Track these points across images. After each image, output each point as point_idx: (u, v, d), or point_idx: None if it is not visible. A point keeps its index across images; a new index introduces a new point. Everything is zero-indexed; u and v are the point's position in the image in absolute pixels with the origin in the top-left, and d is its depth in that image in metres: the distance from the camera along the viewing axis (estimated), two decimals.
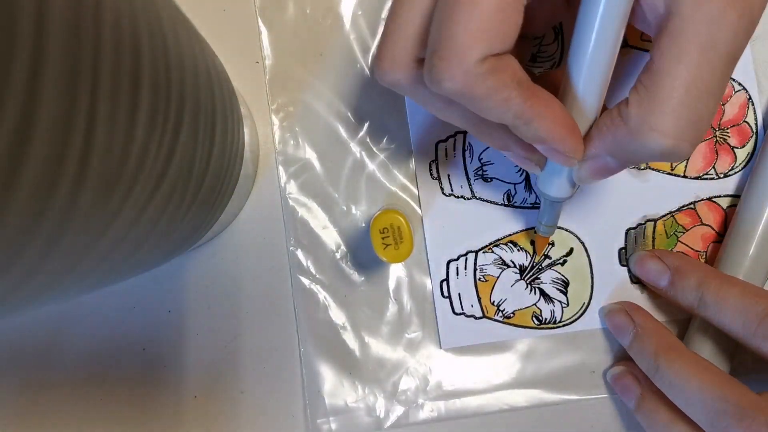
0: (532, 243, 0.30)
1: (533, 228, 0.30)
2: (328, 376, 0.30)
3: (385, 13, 0.31)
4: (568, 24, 0.29)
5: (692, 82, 0.18)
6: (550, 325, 0.30)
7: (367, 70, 0.30)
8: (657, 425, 0.26)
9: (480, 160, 0.30)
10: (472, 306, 0.30)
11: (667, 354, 0.25)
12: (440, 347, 0.30)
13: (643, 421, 0.27)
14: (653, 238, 0.30)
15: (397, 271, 0.30)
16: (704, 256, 0.30)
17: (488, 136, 0.23)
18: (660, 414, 0.26)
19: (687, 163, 0.30)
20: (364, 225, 0.30)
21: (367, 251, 0.30)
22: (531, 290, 0.30)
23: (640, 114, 0.19)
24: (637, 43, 0.30)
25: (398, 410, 0.30)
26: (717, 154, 0.30)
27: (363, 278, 0.30)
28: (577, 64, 0.21)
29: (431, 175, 0.30)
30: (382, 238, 0.25)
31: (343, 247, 0.30)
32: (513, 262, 0.30)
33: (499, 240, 0.30)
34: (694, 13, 0.18)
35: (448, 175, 0.30)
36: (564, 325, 0.30)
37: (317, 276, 0.30)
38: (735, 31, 0.18)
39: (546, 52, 0.30)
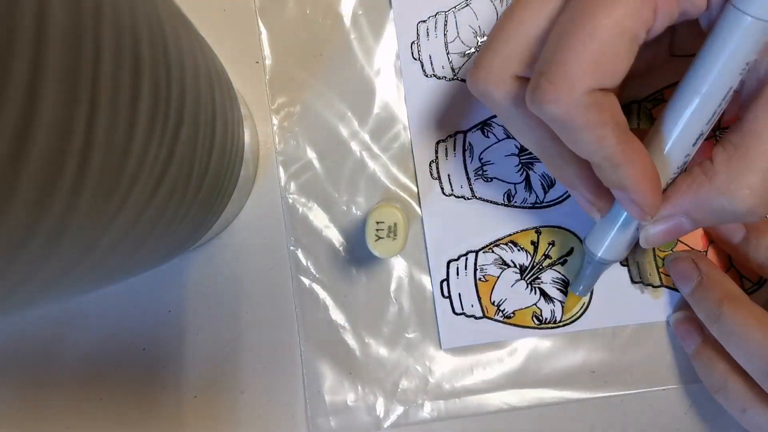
0: (533, 243, 0.30)
1: (534, 228, 0.30)
2: (328, 376, 0.30)
3: (387, 14, 0.31)
4: (664, 73, 0.28)
5: None
6: (550, 325, 0.30)
7: (367, 70, 0.30)
8: (712, 375, 0.26)
9: (480, 159, 0.30)
10: (472, 306, 0.30)
11: (732, 303, 0.25)
12: (440, 347, 0.30)
13: (699, 370, 0.27)
14: None
15: (397, 271, 0.30)
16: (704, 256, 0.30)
17: (560, 169, 0.23)
18: (717, 364, 0.26)
19: None
20: (364, 224, 0.30)
21: (367, 251, 0.30)
22: (531, 290, 0.30)
23: (730, 172, 0.19)
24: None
25: (398, 409, 0.30)
26: None
27: (363, 278, 0.30)
28: (674, 118, 0.20)
29: (431, 175, 0.30)
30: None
31: (343, 247, 0.30)
32: (513, 262, 0.30)
33: (499, 240, 0.30)
34: None
35: (449, 175, 0.30)
36: (564, 325, 0.30)
37: (317, 276, 0.30)
38: None
39: None
